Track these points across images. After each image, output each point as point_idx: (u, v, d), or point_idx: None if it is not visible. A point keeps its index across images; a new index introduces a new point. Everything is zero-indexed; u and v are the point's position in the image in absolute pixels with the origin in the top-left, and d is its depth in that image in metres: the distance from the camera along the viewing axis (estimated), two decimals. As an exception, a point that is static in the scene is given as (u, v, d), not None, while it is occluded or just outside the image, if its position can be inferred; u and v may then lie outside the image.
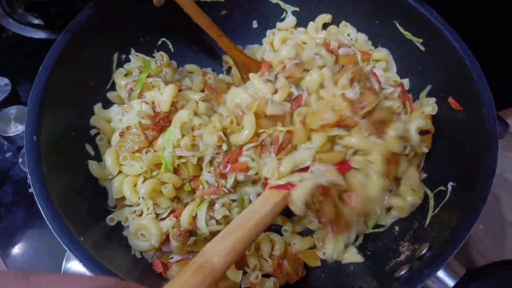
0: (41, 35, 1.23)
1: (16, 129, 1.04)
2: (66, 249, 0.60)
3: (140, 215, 0.77)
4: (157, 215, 0.78)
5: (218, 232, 0.62)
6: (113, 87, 0.89)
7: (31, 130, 0.66)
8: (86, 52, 0.80)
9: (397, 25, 0.88)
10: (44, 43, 1.19)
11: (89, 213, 0.73)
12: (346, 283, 0.74)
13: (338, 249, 0.74)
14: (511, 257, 0.86)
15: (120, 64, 0.89)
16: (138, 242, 0.74)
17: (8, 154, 1.09)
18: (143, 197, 0.76)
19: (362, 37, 0.95)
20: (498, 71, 0.82)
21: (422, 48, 0.86)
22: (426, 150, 0.81)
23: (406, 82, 0.91)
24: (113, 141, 0.81)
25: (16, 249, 0.94)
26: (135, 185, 0.78)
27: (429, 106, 0.83)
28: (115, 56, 0.88)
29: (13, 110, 1.06)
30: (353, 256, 0.76)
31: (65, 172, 0.71)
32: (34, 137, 0.66)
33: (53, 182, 0.65)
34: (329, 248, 0.75)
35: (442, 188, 0.74)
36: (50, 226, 0.61)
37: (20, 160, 1.00)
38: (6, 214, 1.00)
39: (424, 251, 0.63)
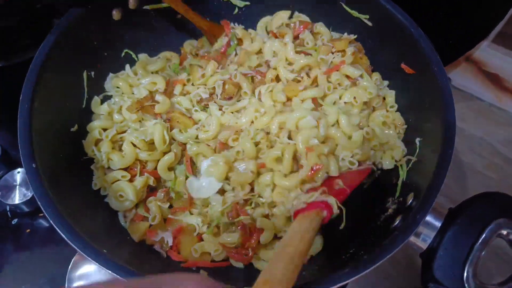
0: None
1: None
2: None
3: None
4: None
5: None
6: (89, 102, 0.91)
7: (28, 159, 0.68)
8: (57, 77, 0.82)
9: (344, 6, 0.97)
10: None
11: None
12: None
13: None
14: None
15: (90, 80, 0.91)
16: (118, 204, 0.83)
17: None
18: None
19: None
20: (434, 31, 0.92)
21: (370, 24, 0.95)
22: None
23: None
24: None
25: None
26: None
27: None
28: (84, 74, 0.90)
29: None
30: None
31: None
32: (33, 165, 0.68)
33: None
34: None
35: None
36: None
37: (0, 193, 0.99)
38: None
39: (410, 200, 0.72)
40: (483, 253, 0.65)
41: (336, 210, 0.72)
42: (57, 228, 0.64)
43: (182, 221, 0.83)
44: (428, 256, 0.67)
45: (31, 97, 0.73)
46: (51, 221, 0.64)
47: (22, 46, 1.13)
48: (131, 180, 0.86)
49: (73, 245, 0.64)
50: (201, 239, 0.83)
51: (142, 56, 1.02)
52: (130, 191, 0.83)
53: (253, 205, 0.82)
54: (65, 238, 0.65)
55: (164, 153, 0.87)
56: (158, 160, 0.86)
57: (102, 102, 0.93)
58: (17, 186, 1.00)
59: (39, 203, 0.65)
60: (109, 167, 0.86)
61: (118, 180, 0.85)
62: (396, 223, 0.70)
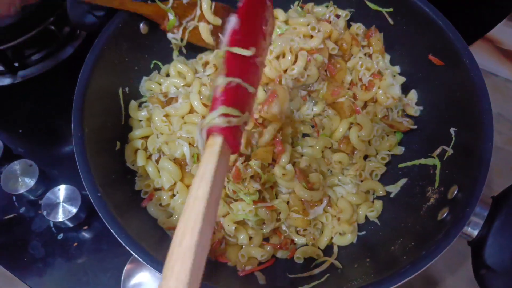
0: (4, 81, 1.20)
1: (26, 185, 1.04)
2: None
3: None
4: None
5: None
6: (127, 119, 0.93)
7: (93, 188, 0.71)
8: (99, 101, 0.83)
9: (366, 1, 0.98)
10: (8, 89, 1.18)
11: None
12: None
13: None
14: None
15: (125, 96, 0.93)
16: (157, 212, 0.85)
17: (22, 210, 1.09)
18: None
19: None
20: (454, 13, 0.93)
21: (391, 22, 0.97)
22: None
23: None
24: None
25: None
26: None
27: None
28: (120, 91, 0.91)
29: (16, 166, 1.05)
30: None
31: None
32: (98, 194, 0.70)
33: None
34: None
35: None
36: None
37: (45, 212, 1.01)
38: (45, 267, 1.02)
39: (455, 192, 0.75)
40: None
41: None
42: (128, 248, 0.67)
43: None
44: (478, 245, 0.70)
45: (81, 126, 0.75)
46: (123, 243, 0.67)
47: (30, 62, 1.15)
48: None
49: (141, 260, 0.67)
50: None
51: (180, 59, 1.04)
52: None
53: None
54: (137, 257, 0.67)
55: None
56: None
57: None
58: (61, 203, 1.02)
59: (109, 227, 0.68)
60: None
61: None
62: (444, 215, 0.73)
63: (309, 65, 0.91)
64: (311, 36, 0.94)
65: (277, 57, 0.93)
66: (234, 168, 0.81)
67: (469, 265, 0.74)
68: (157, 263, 0.66)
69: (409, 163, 0.94)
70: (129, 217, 0.75)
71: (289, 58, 0.91)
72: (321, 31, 0.93)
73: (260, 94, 0.91)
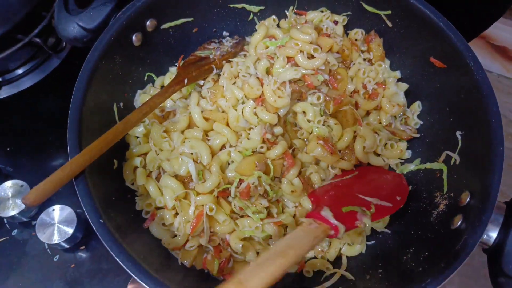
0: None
1: (18, 206, 1.00)
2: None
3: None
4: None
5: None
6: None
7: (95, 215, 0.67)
8: (95, 118, 0.79)
9: (363, 4, 0.96)
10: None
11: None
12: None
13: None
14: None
15: (120, 111, 0.89)
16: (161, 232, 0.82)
17: (15, 232, 1.04)
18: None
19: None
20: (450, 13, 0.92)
21: (390, 24, 0.95)
22: None
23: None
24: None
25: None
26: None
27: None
28: (114, 107, 0.87)
29: (7, 187, 1.01)
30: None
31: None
32: (101, 220, 0.67)
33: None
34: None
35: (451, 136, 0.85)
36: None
37: (39, 234, 0.96)
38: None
39: (468, 199, 0.73)
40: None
41: (341, 236, 0.72)
42: (137, 279, 0.64)
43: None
44: (495, 252, 0.69)
45: (79, 148, 0.71)
46: (131, 273, 0.63)
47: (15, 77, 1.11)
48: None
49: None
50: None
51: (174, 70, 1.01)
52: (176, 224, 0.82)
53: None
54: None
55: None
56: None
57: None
58: (56, 224, 0.98)
59: (114, 255, 0.64)
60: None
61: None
62: (459, 223, 0.72)
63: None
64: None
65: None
66: (245, 186, 0.78)
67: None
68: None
69: (414, 168, 0.92)
70: (132, 239, 0.71)
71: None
72: (322, 50, 0.91)
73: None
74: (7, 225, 1.04)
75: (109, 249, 0.64)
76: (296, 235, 0.66)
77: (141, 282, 0.62)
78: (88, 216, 0.66)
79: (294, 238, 0.65)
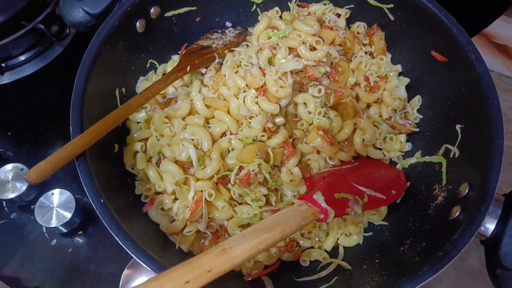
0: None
1: (17, 189, 1.00)
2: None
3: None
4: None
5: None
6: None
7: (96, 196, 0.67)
8: (96, 104, 0.80)
9: (366, -3, 0.96)
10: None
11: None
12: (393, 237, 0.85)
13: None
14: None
15: (122, 97, 0.89)
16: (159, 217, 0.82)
17: (13, 215, 1.05)
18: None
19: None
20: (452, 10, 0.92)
21: (392, 18, 0.95)
22: None
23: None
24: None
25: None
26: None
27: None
28: (117, 92, 0.88)
29: (7, 170, 1.01)
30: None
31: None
32: (101, 200, 0.67)
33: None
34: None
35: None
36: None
37: (38, 217, 0.97)
38: (40, 276, 0.98)
39: (466, 191, 0.74)
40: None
41: (329, 220, 0.73)
42: (136, 258, 0.64)
43: None
44: (493, 244, 0.69)
45: (80, 130, 0.72)
46: (130, 252, 0.64)
47: (18, 63, 1.11)
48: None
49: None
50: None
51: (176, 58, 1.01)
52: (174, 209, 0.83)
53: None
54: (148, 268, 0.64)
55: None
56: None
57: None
58: (54, 208, 0.98)
59: (113, 234, 0.64)
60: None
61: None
62: (457, 214, 0.72)
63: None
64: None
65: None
66: (245, 173, 0.78)
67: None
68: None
69: (413, 161, 0.92)
70: (132, 223, 0.72)
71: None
72: (325, 43, 0.91)
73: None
74: (6, 208, 1.04)
75: (108, 229, 0.64)
76: (285, 214, 0.67)
77: (140, 262, 0.62)
78: (88, 196, 0.66)
79: (282, 216, 0.66)
